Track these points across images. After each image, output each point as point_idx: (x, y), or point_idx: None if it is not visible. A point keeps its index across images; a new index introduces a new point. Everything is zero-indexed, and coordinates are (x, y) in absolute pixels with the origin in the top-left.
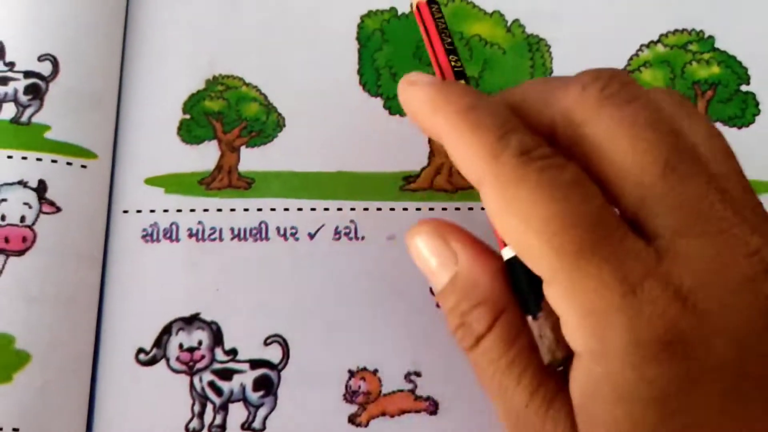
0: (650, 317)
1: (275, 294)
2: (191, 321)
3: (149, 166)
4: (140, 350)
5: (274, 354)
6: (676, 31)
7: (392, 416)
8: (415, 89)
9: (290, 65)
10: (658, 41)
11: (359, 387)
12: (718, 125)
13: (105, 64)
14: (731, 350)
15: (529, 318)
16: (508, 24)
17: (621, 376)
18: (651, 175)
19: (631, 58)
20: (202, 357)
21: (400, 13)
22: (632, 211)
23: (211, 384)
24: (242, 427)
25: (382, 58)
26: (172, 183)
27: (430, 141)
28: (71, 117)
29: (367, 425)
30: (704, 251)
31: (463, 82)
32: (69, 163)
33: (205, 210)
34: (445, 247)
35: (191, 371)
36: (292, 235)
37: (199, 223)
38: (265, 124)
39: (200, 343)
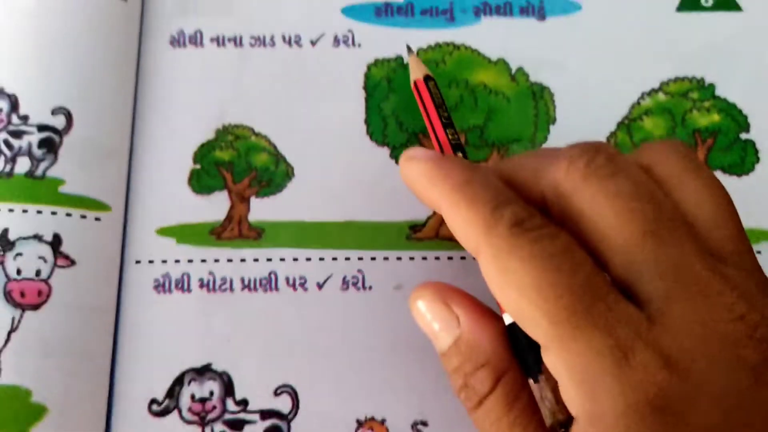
0: (641, 382)
1: (285, 344)
2: (203, 371)
3: (161, 217)
4: (153, 401)
5: (284, 404)
6: (677, 78)
7: None
8: (414, 164)
9: (299, 115)
10: (659, 89)
11: None
12: (718, 173)
13: (117, 116)
14: (718, 413)
15: (531, 381)
16: (513, 72)
17: None
18: (635, 242)
19: (632, 107)
20: (214, 407)
21: (405, 61)
22: (621, 277)
23: None
24: None
25: (389, 107)
26: (184, 233)
27: None
28: (85, 170)
29: None
30: (690, 316)
31: (459, 154)
32: (83, 216)
33: (216, 260)
34: (447, 311)
35: (203, 422)
36: (301, 285)
37: (210, 273)
38: (274, 174)
39: (212, 393)
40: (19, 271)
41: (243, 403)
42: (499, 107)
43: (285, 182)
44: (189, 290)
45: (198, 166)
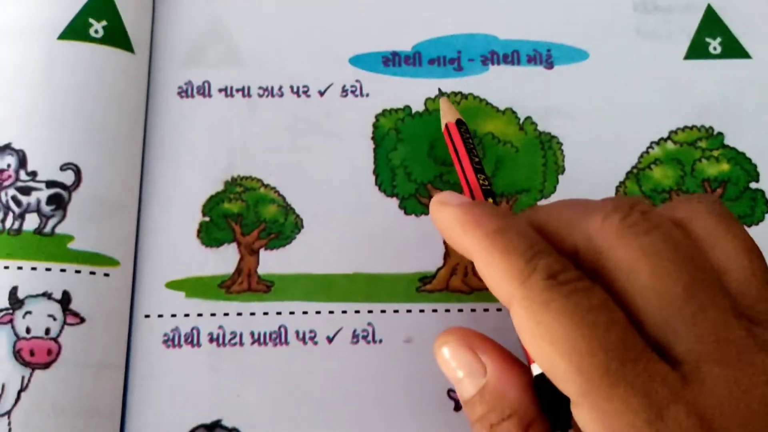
0: None
1: (295, 399)
2: (213, 428)
3: (170, 270)
4: None
5: None
6: (685, 127)
7: None
8: (446, 210)
9: (307, 165)
10: (668, 138)
11: None
12: None
13: (126, 170)
14: None
15: None
16: (521, 121)
17: None
18: (671, 303)
19: (641, 156)
20: None
21: (414, 111)
22: (655, 336)
23: None
24: None
25: (397, 158)
26: (193, 287)
27: (445, 241)
28: (94, 226)
29: None
30: (725, 378)
31: (491, 200)
32: (92, 273)
33: (226, 314)
34: (473, 358)
35: None
36: (311, 338)
37: (220, 327)
38: (283, 226)
39: None
40: (28, 330)
41: None
42: (507, 157)
43: (294, 234)
44: (198, 345)
45: (207, 219)
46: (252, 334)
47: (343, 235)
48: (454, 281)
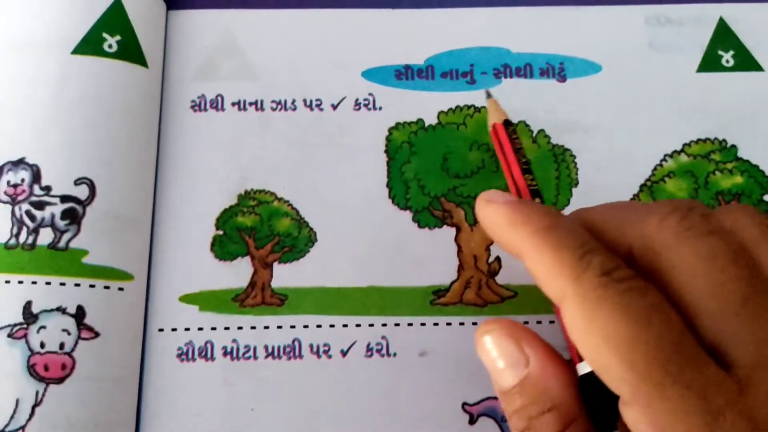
0: None
1: (309, 412)
2: None
3: (183, 284)
4: None
5: None
6: (699, 140)
7: None
8: (493, 207)
9: (321, 179)
10: (682, 151)
11: None
12: None
13: (139, 184)
14: None
15: None
16: (534, 134)
17: None
18: (729, 309)
19: (655, 168)
20: None
21: (427, 124)
22: (710, 340)
23: None
24: None
25: (410, 171)
26: (206, 300)
27: (458, 254)
28: (108, 240)
29: None
30: None
31: (538, 200)
32: (106, 287)
33: (239, 328)
34: (517, 349)
35: None
36: (325, 352)
37: (234, 341)
38: (297, 239)
39: None
40: (42, 345)
41: None
42: None
43: (308, 247)
44: (212, 358)
45: (220, 232)
46: (266, 347)
47: (357, 248)
48: (468, 294)
